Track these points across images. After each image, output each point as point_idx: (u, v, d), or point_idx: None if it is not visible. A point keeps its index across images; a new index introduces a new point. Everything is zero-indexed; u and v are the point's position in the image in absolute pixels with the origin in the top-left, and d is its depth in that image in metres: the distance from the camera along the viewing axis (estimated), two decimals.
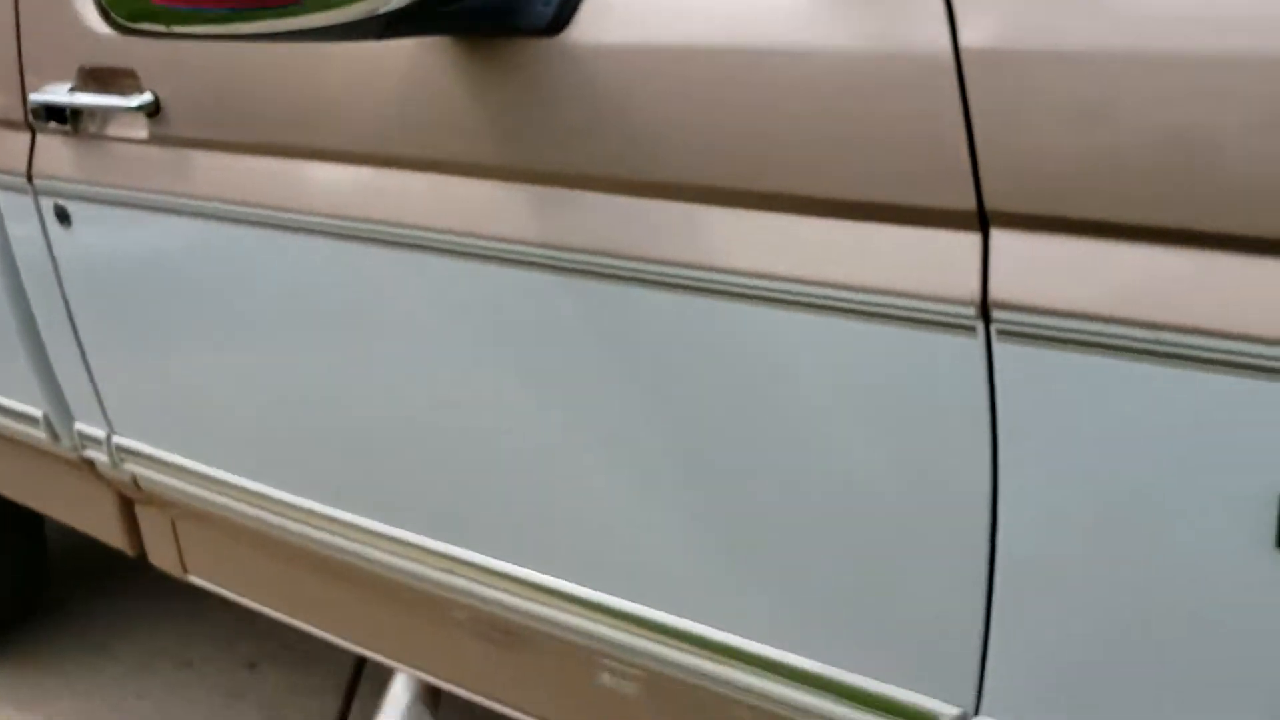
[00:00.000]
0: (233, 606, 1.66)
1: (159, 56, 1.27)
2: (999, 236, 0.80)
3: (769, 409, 0.94)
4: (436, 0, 0.92)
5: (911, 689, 0.95)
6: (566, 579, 1.16)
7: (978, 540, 0.86)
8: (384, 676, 1.52)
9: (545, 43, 0.96)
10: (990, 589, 0.87)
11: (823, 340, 0.88)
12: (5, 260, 1.58)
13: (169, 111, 1.28)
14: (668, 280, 0.95)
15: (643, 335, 0.99)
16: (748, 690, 1.05)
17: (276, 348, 1.31)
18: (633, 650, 1.13)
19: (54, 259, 1.50)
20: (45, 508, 1.92)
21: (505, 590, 1.20)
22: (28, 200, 1.49)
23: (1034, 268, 0.78)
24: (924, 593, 0.91)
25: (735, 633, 1.05)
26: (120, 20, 0.96)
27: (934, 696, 0.94)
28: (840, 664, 0.99)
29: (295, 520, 1.38)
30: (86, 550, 2.04)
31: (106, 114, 1.36)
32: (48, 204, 1.46)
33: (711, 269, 0.92)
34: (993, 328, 0.80)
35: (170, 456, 1.51)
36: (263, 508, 1.41)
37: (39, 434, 1.68)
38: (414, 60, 1.04)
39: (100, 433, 1.60)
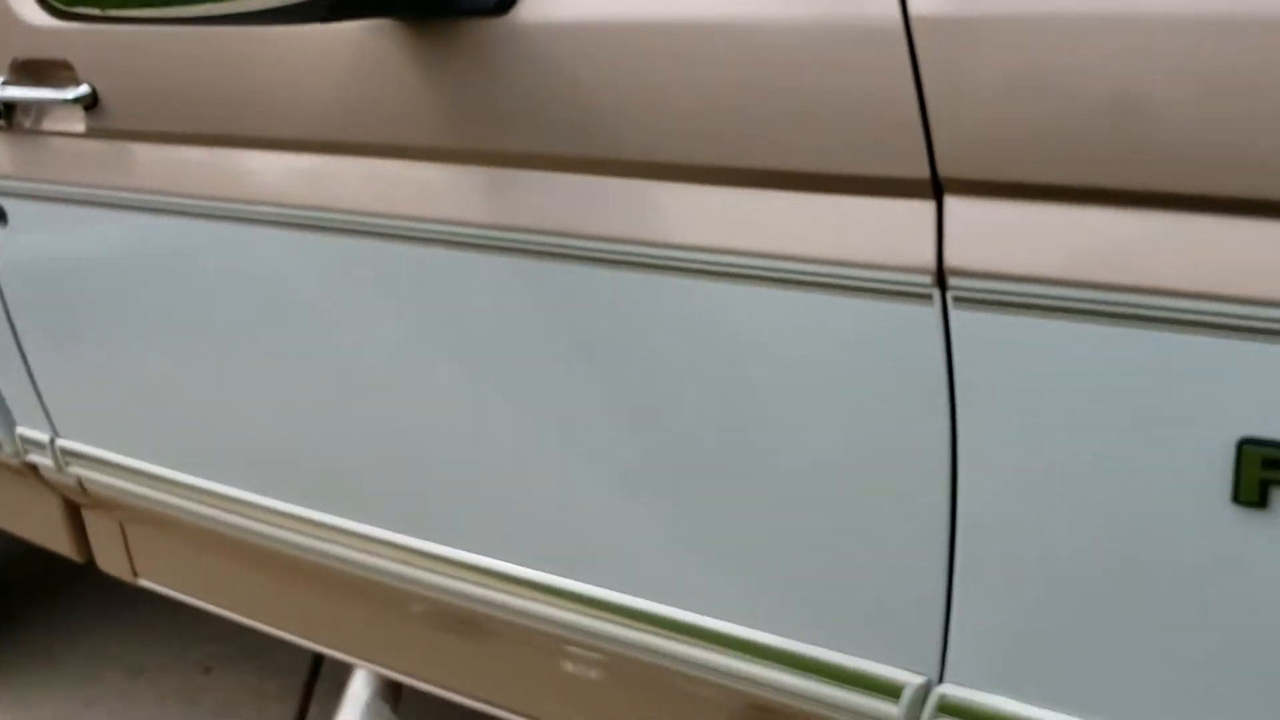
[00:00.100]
0: (186, 610, 1.64)
1: (95, 47, 1.24)
2: (952, 204, 0.80)
3: (727, 385, 0.94)
4: None
5: (875, 660, 0.95)
6: (526, 565, 1.15)
7: (938, 507, 0.87)
8: (343, 675, 1.50)
9: (492, 22, 0.95)
10: (951, 556, 0.88)
11: (779, 313, 0.88)
12: None
13: (107, 104, 1.25)
14: (623, 258, 0.94)
15: (598, 315, 0.99)
16: (711, 669, 1.05)
17: (225, 342, 1.29)
18: (595, 634, 1.12)
19: None
20: None
21: (464, 580, 1.19)
22: None
23: (987, 234, 0.79)
24: (886, 563, 0.92)
25: (697, 611, 1.05)
26: (56, 4, 0.94)
27: (898, 666, 0.94)
28: (803, 638, 0.99)
29: (249, 518, 1.36)
30: (30, 557, 2.00)
31: (42, 108, 1.33)
32: None
33: (666, 245, 0.92)
34: (949, 295, 0.81)
35: (117, 458, 1.48)
36: (215, 506, 1.39)
37: None
38: (359, 44, 1.02)
39: (44, 436, 1.56)
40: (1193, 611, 0.79)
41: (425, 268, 1.06)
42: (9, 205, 1.41)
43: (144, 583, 1.66)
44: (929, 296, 0.81)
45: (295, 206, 1.14)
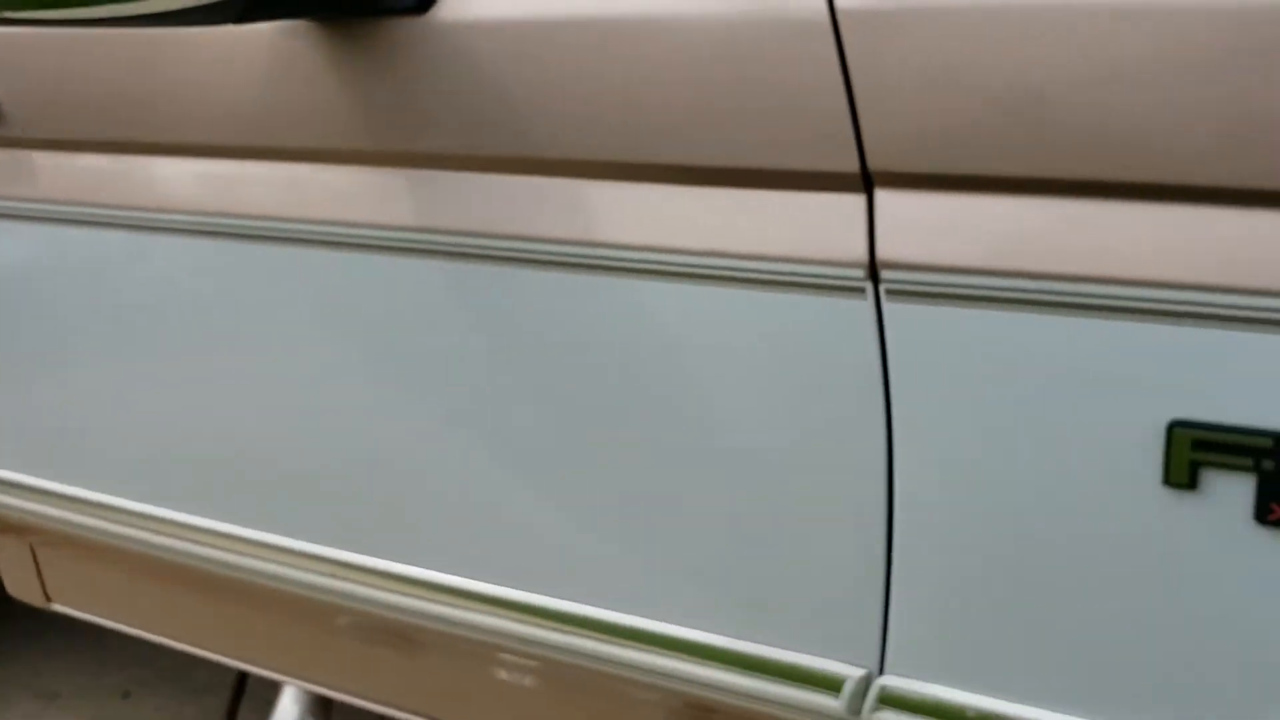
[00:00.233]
0: (102, 633, 1.58)
1: None
2: (883, 197, 0.80)
3: (660, 384, 0.93)
4: None
5: (815, 654, 0.95)
6: (456, 574, 1.13)
7: (875, 499, 0.87)
8: (268, 693, 1.47)
9: (413, 21, 0.93)
10: (889, 548, 0.88)
11: (712, 310, 0.88)
12: None
13: (8, 112, 1.21)
14: (551, 259, 0.93)
15: (528, 316, 0.97)
16: (648, 670, 1.04)
17: (136, 355, 1.25)
18: (529, 641, 1.11)
19: None
20: None
21: (392, 591, 1.17)
22: None
23: (918, 226, 0.80)
24: (824, 557, 0.92)
25: (633, 613, 1.04)
26: None
27: (838, 660, 0.94)
28: (741, 635, 0.99)
29: (166, 535, 1.32)
30: None
31: None
32: None
33: (596, 245, 0.91)
34: (881, 288, 0.81)
35: (26, 479, 1.43)
36: (131, 525, 1.35)
37: None
38: (274, 45, 1.00)
39: None
40: (1126, 593, 0.80)
41: (347, 274, 1.04)
42: None
43: (58, 606, 1.61)
44: (862, 290, 0.82)
45: (208, 214, 1.11)
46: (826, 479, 0.89)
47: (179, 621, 1.47)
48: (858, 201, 0.81)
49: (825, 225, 0.82)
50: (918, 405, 0.83)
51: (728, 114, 0.83)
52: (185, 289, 1.17)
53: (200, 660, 1.47)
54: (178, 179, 1.13)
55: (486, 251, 0.96)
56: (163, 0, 0.86)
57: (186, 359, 1.21)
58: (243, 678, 1.61)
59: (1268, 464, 0.72)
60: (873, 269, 0.81)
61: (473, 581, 1.12)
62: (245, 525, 1.25)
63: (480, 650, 1.16)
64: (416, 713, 1.29)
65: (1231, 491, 0.74)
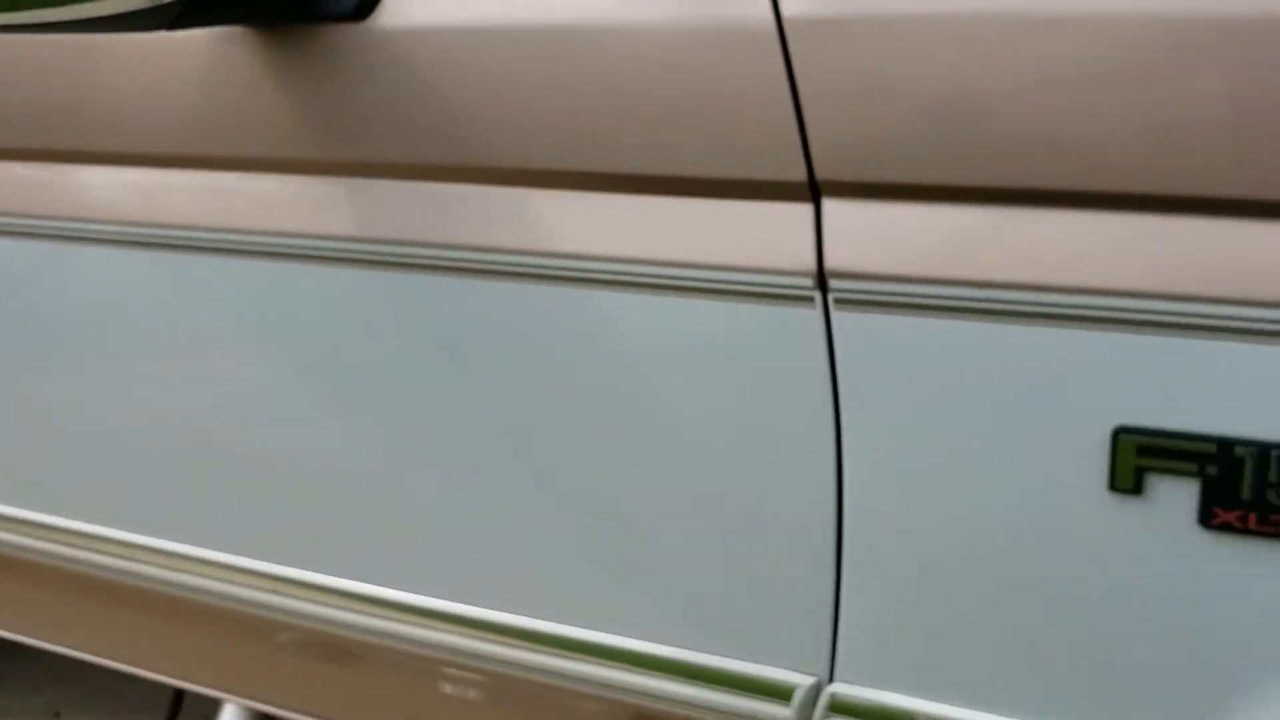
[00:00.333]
0: (31, 652, 1.54)
1: None
2: (830, 206, 0.80)
3: (607, 394, 0.93)
4: None
5: (764, 662, 0.95)
6: (398, 588, 1.11)
7: (825, 508, 0.87)
8: (207, 710, 1.43)
9: (352, 28, 0.91)
10: (839, 554, 0.88)
11: (660, 320, 0.87)
12: None
13: None
14: (495, 268, 0.92)
15: (470, 327, 0.96)
16: (595, 682, 1.04)
17: (64, 368, 1.22)
18: (472, 654, 1.09)
19: None
20: None
21: (334, 606, 1.15)
22: None
23: (865, 235, 0.80)
24: (774, 565, 0.91)
25: (579, 626, 1.03)
26: None
27: (788, 668, 0.94)
28: (690, 645, 0.98)
29: (96, 552, 1.29)
30: None
31: None
32: None
33: (542, 254, 0.90)
34: (830, 296, 0.81)
35: None
36: (59, 542, 1.31)
37: None
38: (209, 51, 0.98)
39: None
40: (1073, 598, 0.81)
41: (285, 285, 1.02)
42: None
43: None
44: (810, 299, 0.82)
45: (140, 224, 1.09)
46: (776, 488, 0.89)
47: (111, 639, 1.44)
48: (805, 211, 0.81)
49: (773, 234, 0.82)
50: (866, 413, 0.83)
51: (674, 122, 0.82)
52: (115, 301, 1.14)
53: (134, 678, 1.44)
54: (108, 188, 1.11)
55: (428, 262, 0.95)
56: (94, 6, 0.83)
57: (117, 372, 1.18)
58: (179, 695, 1.58)
59: (1211, 469, 0.73)
60: (821, 278, 0.81)
61: (416, 596, 1.10)
62: (180, 541, 1.22)
63: (424, 665, 1.14)
64: None
65: (1176, 496, 0.75)
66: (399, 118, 0.92)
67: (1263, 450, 0.72)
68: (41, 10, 0.85)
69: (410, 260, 0.96)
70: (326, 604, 1.15)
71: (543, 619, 1.04)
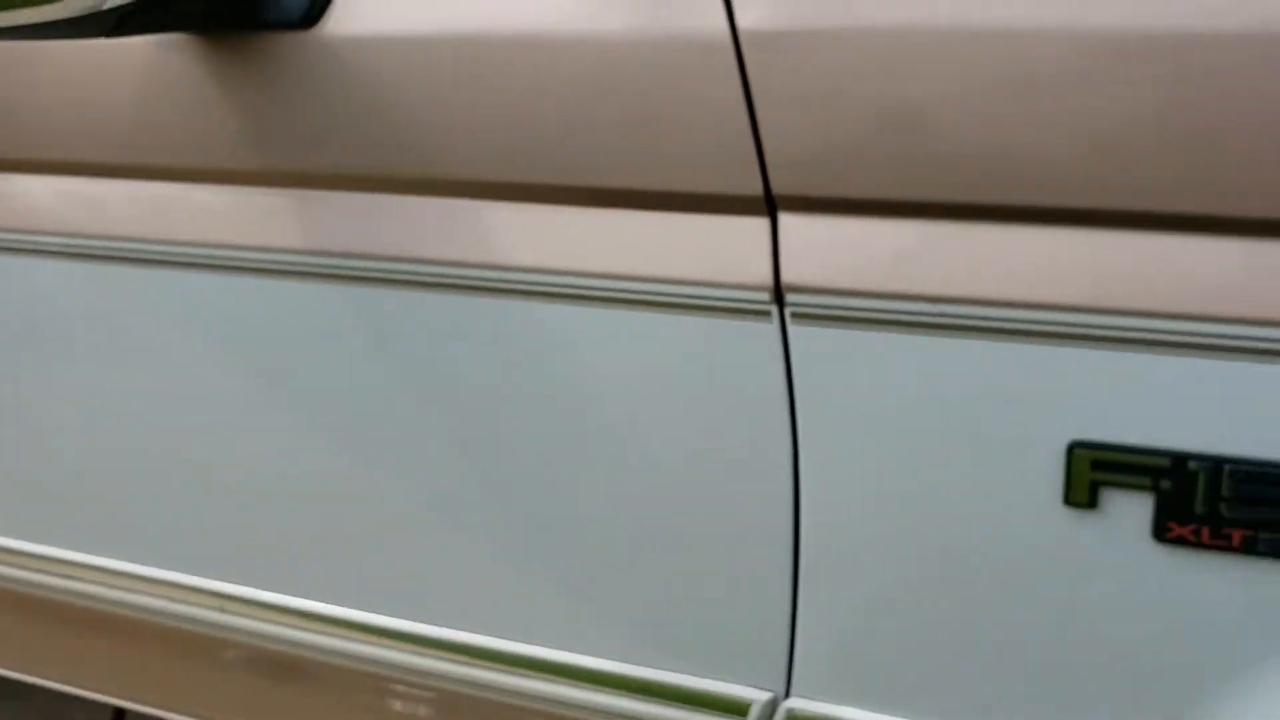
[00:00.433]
0: None
1: None
2: (787, 220, 0.80)
3: (563, 409, 0.91)
4: None
5: (720, 678, 0.94)
6: (348, 606, 1.09)
7: (782, 522, 0.86)
8: None
9: (299, 36, 0.90)
10: (796, 569, 0.88)
11: (617, 334, 0.86)
12: None
13: None
14: (448, 282, 0.91)
15: (420, 342, 0.95)
16: (548, 699, 1.02)
17: (2, 382, 1.19)
18: (423, 672, 1.08)
19: None
20: None
21: (283, 624, 1.13)
22: None
23: (821, 249, 0.79)
24: (730, 581, 0.91)
25: (531, 642, 1.02)
26: None
27: (744, 684, 0.93)
28: (645, 662, 0.97)
29: (36, 571, 1.26)
30: None
31: None
32: None
33: (495, 267, 0.89)
34: (787, 311, 0.81)
35: None
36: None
37: None
38: (151, 59, 0.95)
39: None
40: (1028, 612, 0.81)
41: (230, 298, 1.00)
42: None
43: None
44: (768, 313, 0.81)
45: (80, 235, 1.06)
46: (733, 503, 0.88)
47: (50, 659, 1.40)
48: (762, 224, 0.80)
49: (730, 248, 0.81)
50: (824, 428, 0.83)
51: (629, 135, 0.82)
52: (55, 315, 1.12)
53: (75, 699, 1.40)
54: (47, 198, 1.08)
55: (378, 275, 0.93)
56: (30, 12, 0.81)
57: (55, 388, 1.16)
58: (120, 715, 1.54)
59: (1165, 483, 0.73)
60: (778, 292, 0.80)
61: (366, 613, 1.08)
62: (124, 559, 1.20)
63: (373, 682, 1.12)
64: None
65: (1130, 511, 0.75)
66: (347, 128, 0.91)
67: (1215, 464, 0.72)
68: None
69: (360, 274, 0.94)
70: (275, 621, 1.13)
71: (495, 636, 1.03)
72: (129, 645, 1.29)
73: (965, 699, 0.84)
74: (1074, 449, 0.75)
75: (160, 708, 1.33)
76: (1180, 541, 0.74)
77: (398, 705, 1.14)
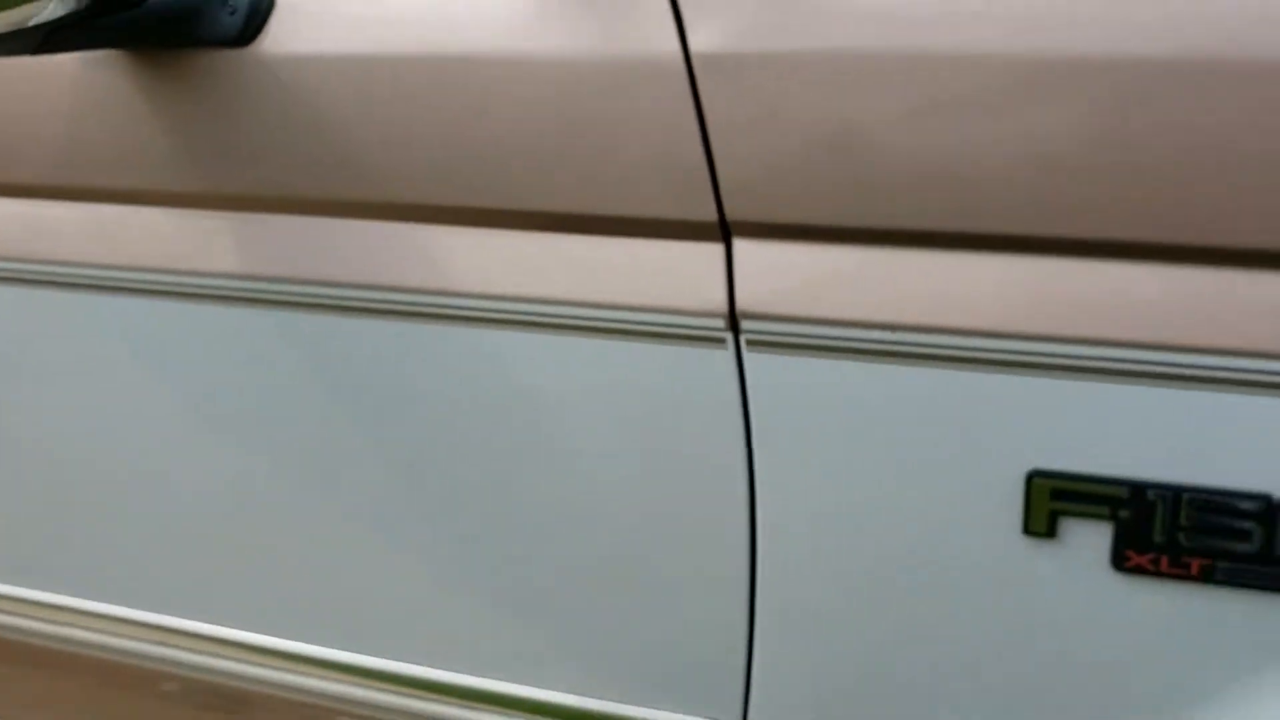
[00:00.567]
0: None
1: None
2: (741, 246, 0.78)
3: (513, 438, 0.89)
4: (101, 9, 0.82)
5: (676, 710, 0.93)
6: (287, 637, 1.06)
7: (737, 552, 0.85)
8: None
9: (235, 54, 0.87)
10: (752, 599, 0.86)
11: (568, 361, 0.84)
12: None
13: None
14: (394, 308, 0.88)
15: (365, 370, 0.92)
16: None
17: None
18: (371, 705, 1.05)
19: None
20: None
21: (224, 657, 1.10)
22: None
23: (777, 276, 0.78)
24: (685, 611, 0.89)
25: (480, 675, 0.99)
26: None
27: (700, 715, 0.92)
28: (597, 694, 0.95)
29: None
30: None
31: None
32: None
33: (445, 293, 0.86)
34: (742, 338, 0.79)
35: None
36: None
37: None
38: (80, 77, 0.92)
39: None
40: (988, 641, 0.80)
41: (169, 323, 0.96)
42: None
43: None
44: (722, 340, 0.79)
45: (9, 259, 1.02)
46: (687, 532, 0.86)
47: None
48: (716, 250, 0.79)
49: (684, 275, 0.80)
50: (780, 456, 0.81)
51: (579, 158, 0.80)
52: None
53: None
54: None
55: (320, 301, 0.91)
56: None
57: None
58: None
59: (1124, 513, 0.73)
60: (733, 319, 0.79)
61: (306, 645, 1.06)
62: (58, 591, 1.16)
63: (318, 714, 1.09)
64: None
65: (1090, 540, 0.75)
66: (285, 148, 0.88)
67: (1174, 494, 0.72)
68: None
69: (302, 300, 0.91)
70: (216, 654, 1.10)
71: (445, 669, 1.01)
72: (66, 680, 1.25)
73: None
74: (1033, 478, 0.75)
75: None
76: (1139, 570, 0.74)
77: None
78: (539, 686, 0.97)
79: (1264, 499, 0.70)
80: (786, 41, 0.74)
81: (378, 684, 1.03)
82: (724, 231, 0.78)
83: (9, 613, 1.19)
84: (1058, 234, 0.72)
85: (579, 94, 0.79)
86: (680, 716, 0.92)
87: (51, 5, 0.79)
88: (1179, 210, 0.69)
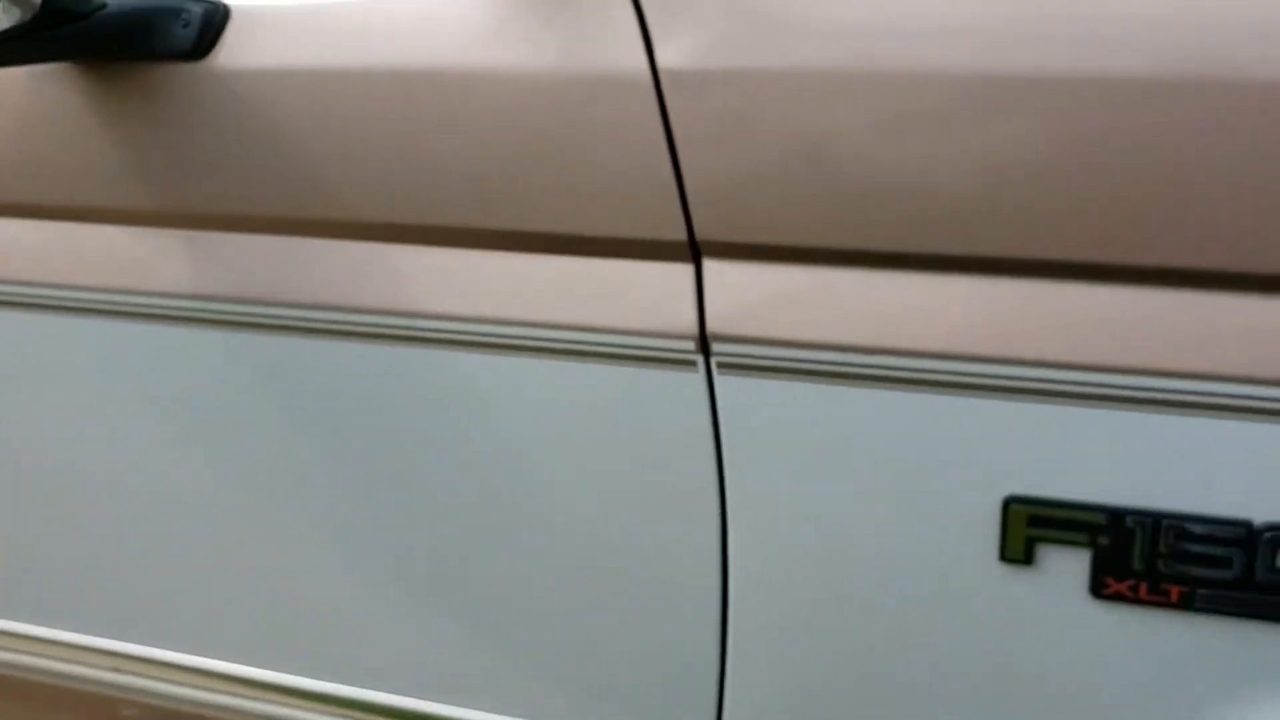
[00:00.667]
0: None
1: None
2: (711, 267, 0.77)
3: (483, 463, 0.87)
4: (49, 21, 0.79)
5: None
6: (246, 663, 1.04)
7: (709, 577, 0.83)
8: None
9: (188, 68, 0.84)
10: (724, 623, 0.85)
11: (535, 384, 0.82)
12: None
13: None
14: (356, 330, 0.86)
15: (328, 394, 0.89)
16: None
17: None
18: None
19: None
20: None
21: (180, 683, 1.07)
22: None
23: (748, 297, 0.76)
24: (657, 635, 0.87)
25: (447, 702, 0.97)
26: None
27: None
28: (573, 714, 0.93)
29: None
30: None
31: None
32: None
33: (405, 314, 0.84)
34: (713, 360, 0.77)
35: None
36: None
37: None
38: (28, 90, 0.89)
39: None
40: (964, 669, 0.79)
41: (116, 344, 0.93)
42: None
43: None
44: (693, 363, 0.78)
45: None
46: (658, 555, 0.85)
47: None
48: (686, 271, 0.77)
49: (654, 296, 0.78)
50: (752, 480, 0.80)
51: (547, 176, 0.78)
52: None
53: None
54: None
55: (283, 322, 0.88)
56: None
57: None
58: None
59: (1103, 539, 0.72)
60: (703, 341, 0.77)
61: (270, 672, 1.03)
62: (12, 619, 1.13)
63: None
64: None
65: (1067, 567, 0.73)
66: (242, 165, 0.85)
67: (1154, 520, 0.70)
68: None
69: (259, 320, 0.88)
70: (172, 680, 1.07)
71: (408, 695, 0.98)
72: (21, 707, 1.22)
73: None
74: (1010, 504, 0.73)
75: None
76: (1118, 598, 0.72)
77: None
78: (506, 714, 0.95)
79: (1244, 525, 0.69)
80: (755, 58, 0.72)
81: (340, 710, 1.01)
82: (694, 251, 0.77)
83: None
84: (1031, 256, 0.70)
85: (544, 110, 0.76)
86: None
87: None
88: (1154, 232, 0.68)
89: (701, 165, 0.74)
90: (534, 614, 0.91)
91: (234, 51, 0.84)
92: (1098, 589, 0.73)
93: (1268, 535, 0.69)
